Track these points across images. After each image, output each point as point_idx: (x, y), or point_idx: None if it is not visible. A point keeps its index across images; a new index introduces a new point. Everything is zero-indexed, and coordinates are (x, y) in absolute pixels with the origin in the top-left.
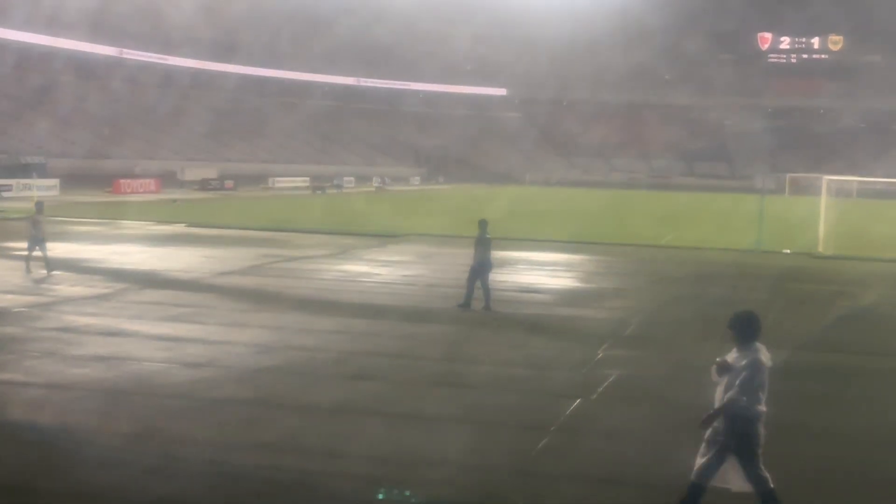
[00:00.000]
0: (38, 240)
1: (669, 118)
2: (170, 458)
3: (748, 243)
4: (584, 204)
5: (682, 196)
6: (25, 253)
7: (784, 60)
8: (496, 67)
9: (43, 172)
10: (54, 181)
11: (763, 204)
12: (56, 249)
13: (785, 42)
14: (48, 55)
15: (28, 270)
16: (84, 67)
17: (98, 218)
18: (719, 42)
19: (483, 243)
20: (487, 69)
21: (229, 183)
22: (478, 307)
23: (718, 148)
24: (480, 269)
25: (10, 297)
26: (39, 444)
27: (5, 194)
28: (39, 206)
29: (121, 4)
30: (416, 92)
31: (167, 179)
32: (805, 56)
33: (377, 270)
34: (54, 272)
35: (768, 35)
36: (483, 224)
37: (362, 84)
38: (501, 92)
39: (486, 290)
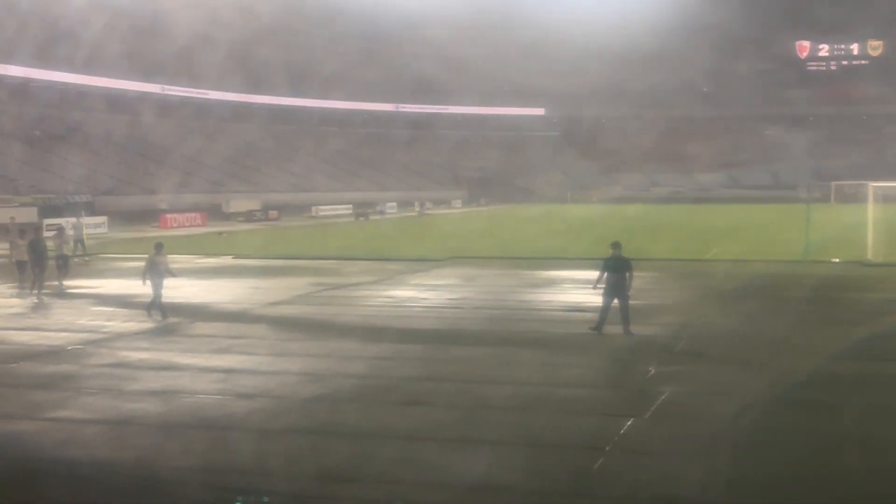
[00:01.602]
0: (157, 284)
1: (710, 131)
2: (230, 491)
3: (796, 254)
4: (629, 220)
5: (726, 208)
6: (150, 297)
7: (824, 68)
8: (533, 88)
9: (91, 210)
10: (102, 219)
11: (809, 213)
12: (108, 286)
13: (824, 49)
14: (86, 93)
15: (149, 314)
16: (123, 104)
17: (146, 253)
18: (757, 52)
19: (616, 265)
20: (525, 90)
21: (273, 213)
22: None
23: (761, 158)
24: (614, 290)
25: (64, 334)
26: (98, 480)
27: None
28: (159, 247)
29: (160, 43)
30: (455, 115)
31: (212, 212)
32: (845, 62)
33: (423, 295)
34: (167, 320)
35: (807, 43)
36: (617, 245)
37: (401, 110)
38: (539, 112)
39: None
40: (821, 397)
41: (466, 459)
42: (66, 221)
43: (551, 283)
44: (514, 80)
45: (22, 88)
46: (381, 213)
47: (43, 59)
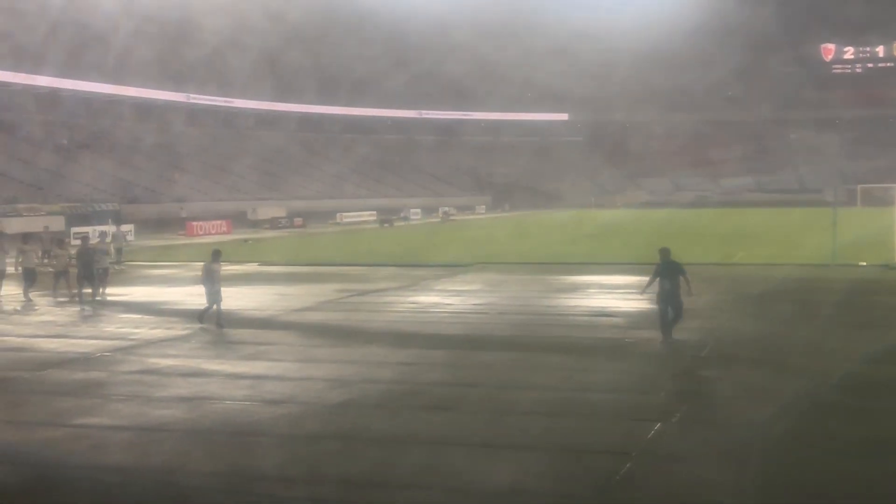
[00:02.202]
0: (214, 292)
1: (735, 135)
2: (259, 497)
3: (822, 257)
4: (654, 225)
5: (752, 212)
6: (204, 306)
7: (849, 70)
8: (557, 93)
9: (118, 219)
10: (129, 227)
11: (836, 216)
12: (136, 293)
13: (849, 52)
14: (113, 102)
15: (207, 319)
16: (149, 112)
17: (173, 261)
18: (782, 55)
19: (668, 271)
20: (548, 95)
21: (298, 220)
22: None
23: (786, 162)
24: (668, 297)
25: (92, 342)
26: (126, 486)
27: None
28: (216, 254)
29: (187, 52)
30: (478, 121)
31: (238, 220)
32: (870, 65)
33: (448, 300)
34: (225, 329)
35: (832, 46)
36: (666, 251)
37: (424, 116)
38: (563, 117)
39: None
40: (852, 402)
41: (493, 465)
42: (107, 230)
43: (576, 288)
44: (537, 86)
45: (49, 98)
46: (406, 219)
47: (70, 68)
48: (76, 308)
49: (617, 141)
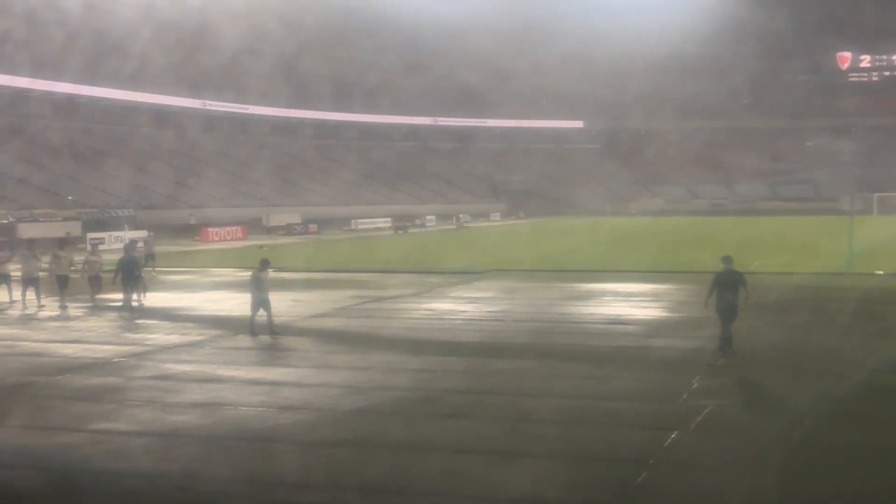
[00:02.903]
0: (262, 300)
1: (751, 143)
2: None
3: (838, 266)
4: (668, 232)
5: (767, 220)
6: (249, 314)
7: (865, 79)
8: (572, 100)
9: (133, 224)
10: (144, 232)
11: (852, 225)
12: (152, 298)
13: (865, 60)
14: (129, 108)
15: (253, 334)
16: (165, 119)
17: (189, 266)
18: (798, 64)
19: (728, 281)
20: (563, 102)
21: (313, 227)
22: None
23: (802, 170)
24: (729, 308)
25: (108, 347)
26: (146, 491)
27: (99, 247)
28: (265, 263)
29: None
30: (493, 128)
31: (253, 226)
32: (886, 73)
33: (463, 308)
34: (280, 336)
35: (848, 54)
36: (728, 259)
37: (439, 123)
38: (578, 124)
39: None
40: (869, 410)
41: (509, 472)
42: (137, 235)
43: (592, 295)
44: (552, 93)
45: (68, 104)
46: (420, 226)
47: (87, 75)
48: (113, 314)
49: (632, 148)
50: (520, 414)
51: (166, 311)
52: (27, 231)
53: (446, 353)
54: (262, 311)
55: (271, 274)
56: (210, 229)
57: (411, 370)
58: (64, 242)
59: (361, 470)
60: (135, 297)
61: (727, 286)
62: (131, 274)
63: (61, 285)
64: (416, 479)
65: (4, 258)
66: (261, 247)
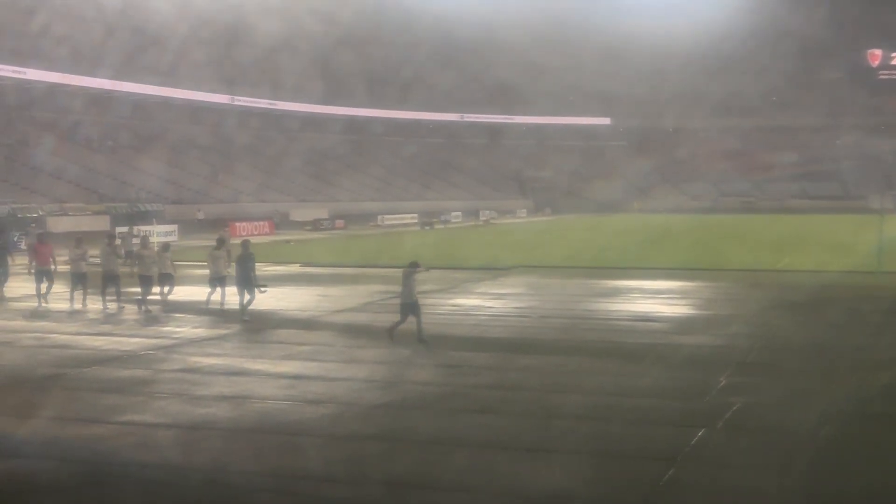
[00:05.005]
0: (412, 306)
1: (780, 140)
2: (303, 497)
3: (868, 265)
4: (697, 230)
5: (797, 218)
6: (398, 320)
7: None
8: (600, 97)
9: (162, 219)
10: (173, 227)
11: (882, 223)
12: (179, 293)
13: None
14: (160, 104)
15: (391, 338)
16: (194, 114)
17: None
18: (829, 62)
19: None
20: (592, 99)
21: (340, 222)
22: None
23: (831, 168)
24: None
25: (135, 340)
26: (173, 483)
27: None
28: (413, 265)
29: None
30: (520, 125)
31: (280, 221)
32: None
33: (489, 303)
34: (427, 343)
35: (878, 52)
36: None
37: (466, 120)
38: (605, 121)
39: None
40: None
41: (536, 468)
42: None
43: (618, 292)
44: (580, 90)
45: (103, 99)
46: (446, 222)
47: (123, 70)
48: (151, 308)
49: (661, 145)
50: (546, 410)
51: (194, 304)
52: (56, 225)
53: (473, 349)
54: (411, 317)
55: (305, 270)
56: (237, 224)
57: (438, 365)
58: (113, 238)
59: (387, 464)
60: (156, 289)
61: None
62: (248, 275)
63: (111, 282)
64: (442, 475)
65: (79, 255)
66: (288, 241)
